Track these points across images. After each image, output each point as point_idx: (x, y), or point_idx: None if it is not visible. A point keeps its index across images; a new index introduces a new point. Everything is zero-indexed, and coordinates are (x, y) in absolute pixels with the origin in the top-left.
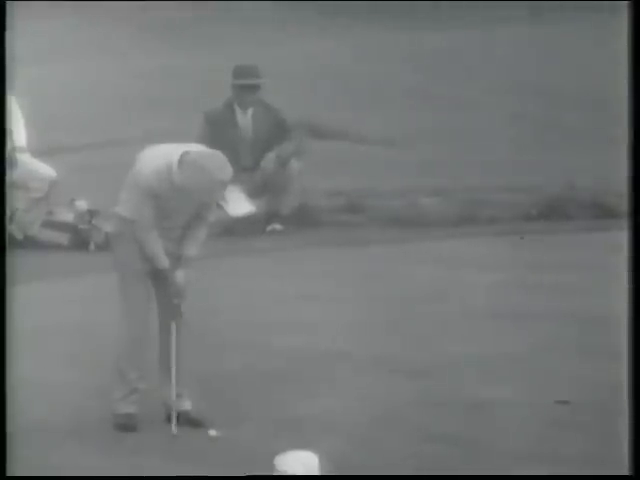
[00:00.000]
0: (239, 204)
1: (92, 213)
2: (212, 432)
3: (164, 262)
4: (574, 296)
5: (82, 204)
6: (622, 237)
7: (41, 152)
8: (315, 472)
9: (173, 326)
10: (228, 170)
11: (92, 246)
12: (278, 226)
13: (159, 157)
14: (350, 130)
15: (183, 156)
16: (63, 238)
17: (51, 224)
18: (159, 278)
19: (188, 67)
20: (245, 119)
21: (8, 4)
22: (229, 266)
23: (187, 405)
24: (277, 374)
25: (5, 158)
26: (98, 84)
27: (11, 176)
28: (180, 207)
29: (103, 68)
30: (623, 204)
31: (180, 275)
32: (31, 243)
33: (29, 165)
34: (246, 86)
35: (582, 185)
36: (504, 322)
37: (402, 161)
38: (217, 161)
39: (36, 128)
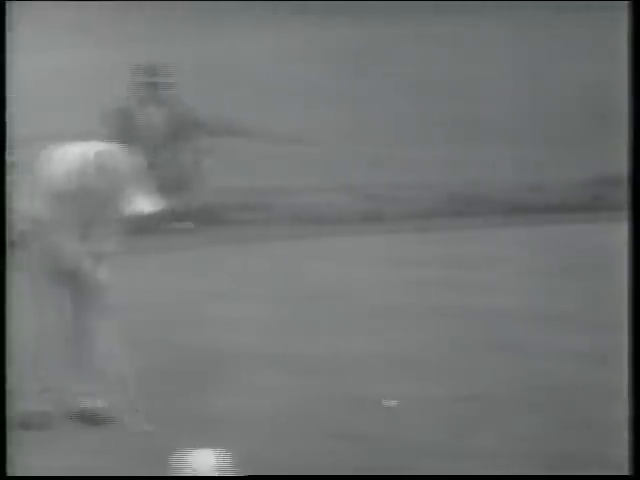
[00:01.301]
0: (148, 201)
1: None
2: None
3: (77, 261)
4: (478, 292)
5: None
6: (528, 233)
7: None
8: (214, 471)
9: (91, 324)
10: (138, 167)
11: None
12: (187, 224)
13: (71, 158)
14: (257, 128)
15: (96, 156)
16: None
17: None
18: (74, 277)
19: (98, 65)
20: (156, 117)
21: (8, 4)
22: (136, 263)
23: (99, 403)
24: (182, 372)
25: (5, 157)
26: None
27: None
28: (94, 206)
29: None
30: (531, 199)
31: (99, 272)
32: None
33: None
34: (157, 84)
35: (489, 180)
36: (407, 319)
37: (308, 158)
38: (126, 159)
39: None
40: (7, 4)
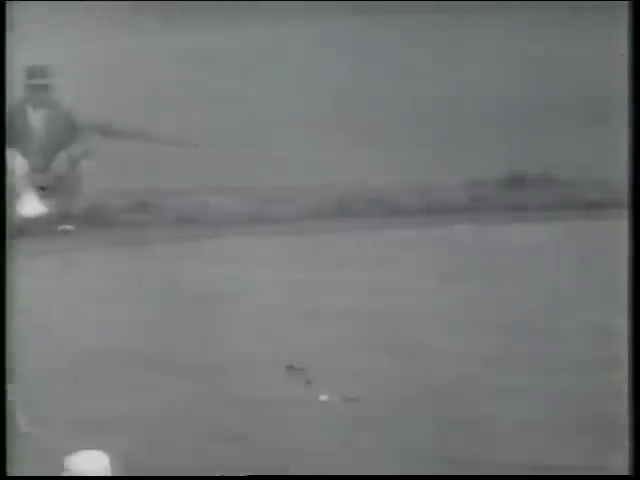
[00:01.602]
0: (30, 204)
1: None
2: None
3: None
4: (366, 294)
5: None
6: (412, 234)
7: None
8: (106, 472)
9: None
10: (20, 170)
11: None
12: (69, 227)
13: None
14: (143, 130)
15: None
16: None
17: None
18: None
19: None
20: (36, 119)
21: (8, 4)
22: (19, 267)
23: None
24: (67, 374)
25: (5, 156)
26: None
27: None
28: None
29: None
30: (416, 201)
31: None
32: None
33: None
34: (37, 86)
35: (375, 183)
36: (292, 321)
37: (193, 160)
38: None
39: None
40: (7, 4)
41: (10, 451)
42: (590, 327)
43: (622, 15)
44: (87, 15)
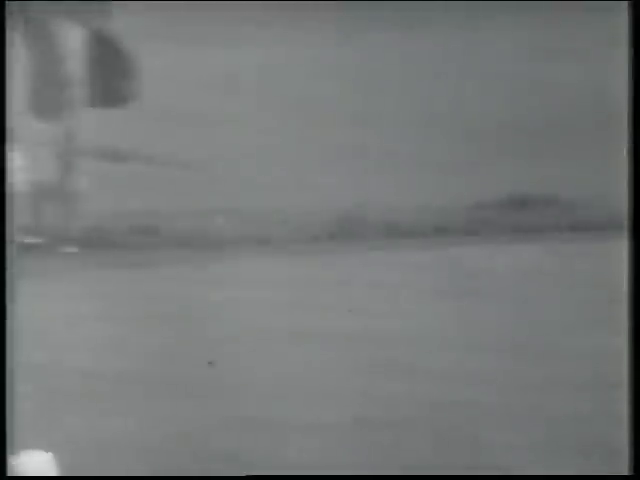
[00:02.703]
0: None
1: None
2: None
3: None
4: (361, 314)
5: None
6: (414, 256)
7: None
8: (51, 471)
9: None
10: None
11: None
12: (72, 248)
13: None
14: (144, 152)
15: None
16: None
17: None
18: None
19: None
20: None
21: (8, 4)
22: (22, 287)
23: None
24: (71, 394)
25: (5, 157)
26: None
27: None
28: None
29: None
30: (418, 223)
31: None
32: None
33: None
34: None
35: (374, 205)
36: (294, 342)
37: (196, 182)
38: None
39: None
40: (7, 4)
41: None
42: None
43: (623, 34)
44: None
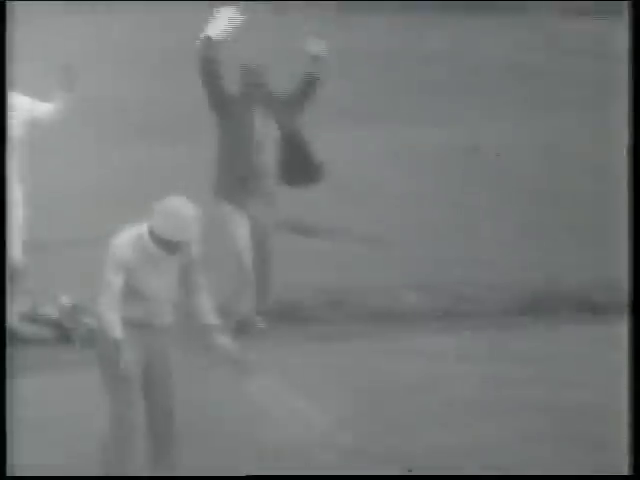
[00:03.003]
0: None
1: (77, 309)
2: None
3: (117, 332)
4: (555, 387)
5: (67, 300)
6: (605, 331)
7: (33, 246)
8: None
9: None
10: (193, 207)
11: (77, 341)
12: (261, 324)
13: (130, 231)
14: (329, 227)
15: (154, 209)
16: (48, 333)
17: (35, 319)
18: (149, 376)
19: None
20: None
21: (8, 4)
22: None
23: None
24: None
25: (5, 157)
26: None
27: None
28: (159, 272)
29: None
30: (605, 298)
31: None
32: (15, 338)
33: None
34: (254, 84)
35: (565, 280)
36: (486, 414)
37: (386, 257)
38: (182, 200)
39: (30, 221)
40: (7, 4)
41: None
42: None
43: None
44: None
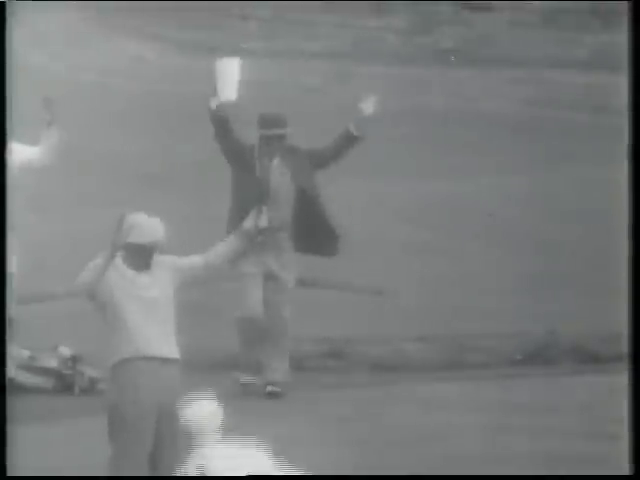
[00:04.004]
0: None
1: (75, 359)
2: None
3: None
4: (559, 438)
5: (65, 350)
6: (606, 381)
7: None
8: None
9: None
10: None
11: (77, 390)
12: (275, 388)
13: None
14: (336, 278)
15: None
16: (47, 383)
17: (34, 369)
18: (163, 416)
19: None
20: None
21: (8, 4)
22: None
23: None
24: None
25: (5, 157)
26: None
27: None
28: (142, 299)
29: None
30: (606, 348)
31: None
32: (14, 387)
33: None
34: (273, 136)
35: (565, 330)
36: (491, 465)
37: (387, 308)
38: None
39: (25, 274)
40: (7, 4)
41: None
42: None
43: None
44: None
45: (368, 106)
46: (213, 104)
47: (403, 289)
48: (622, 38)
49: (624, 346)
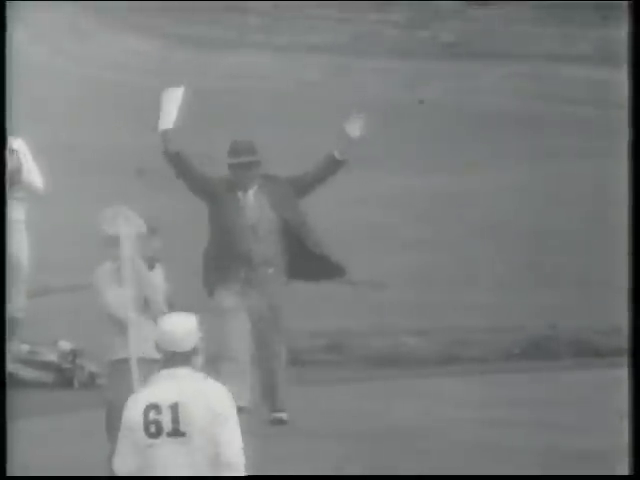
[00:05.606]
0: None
1: (75, 353)
2: None
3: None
4: (557, 431)
5: (65, 344)
6: (605, 375)
7: (28, 292)
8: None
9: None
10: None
11: (76, 384)
12: (283, 415)
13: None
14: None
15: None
16: (47, 377)
17: (34, 363)
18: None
19: None
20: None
21: (8, 4)
22: None
23: None
24: None
25: (5, 158)
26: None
27: None
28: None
29: None
30: (606, 342)
31: None
32: (14, 381)
33: None
34: (244, 164)
35: (564, 325)
36: (487, 458)
37: (386, 302)
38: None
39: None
40: (7, 4)
41: None
42: None
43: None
44: None
45: (354, 128)
46: (160, 139)
47: (402, 283)
48: (622, 33)
49: (624, 340)
